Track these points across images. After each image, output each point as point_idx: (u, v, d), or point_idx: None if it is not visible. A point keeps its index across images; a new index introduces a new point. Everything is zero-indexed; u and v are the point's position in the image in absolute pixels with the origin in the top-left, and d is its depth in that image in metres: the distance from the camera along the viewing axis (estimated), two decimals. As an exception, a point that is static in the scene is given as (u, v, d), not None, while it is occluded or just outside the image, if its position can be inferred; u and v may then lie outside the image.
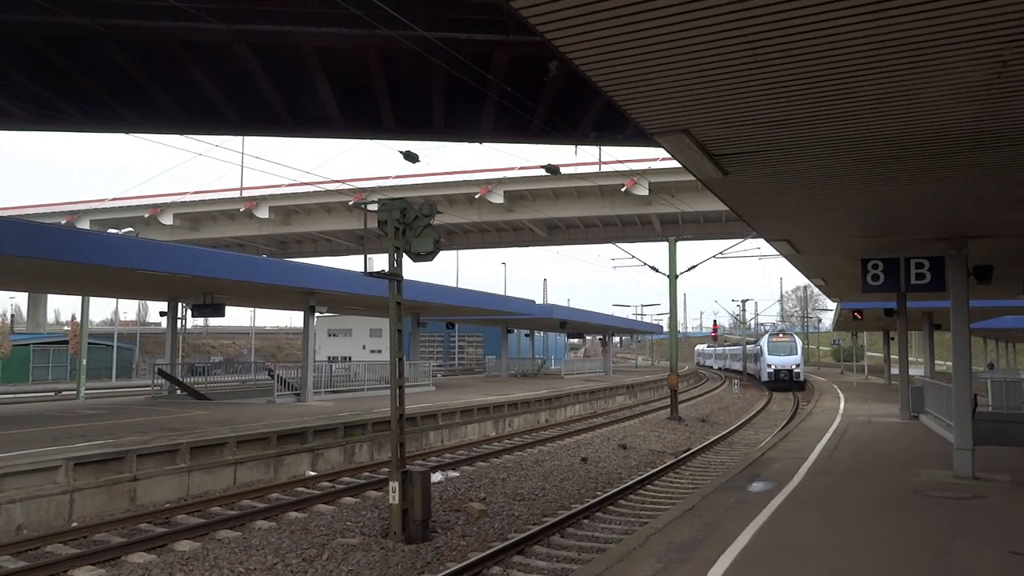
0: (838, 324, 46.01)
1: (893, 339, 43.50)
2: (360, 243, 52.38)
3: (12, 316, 61.44)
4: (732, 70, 5.08)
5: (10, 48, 13.09)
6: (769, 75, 5.15)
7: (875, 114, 5.95)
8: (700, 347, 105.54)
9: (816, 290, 43.68)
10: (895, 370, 35.30)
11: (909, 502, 9.57)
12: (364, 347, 64.35)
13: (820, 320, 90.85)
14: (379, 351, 59.62)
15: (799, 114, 5.95)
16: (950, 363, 13.35)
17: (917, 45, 4.66)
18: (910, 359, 23.29)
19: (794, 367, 47.97)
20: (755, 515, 8.72)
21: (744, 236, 34.29)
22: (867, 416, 21.70)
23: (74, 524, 11.45)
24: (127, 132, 16.80)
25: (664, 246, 31.88)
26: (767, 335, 55.40)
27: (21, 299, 68.78)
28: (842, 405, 26.31)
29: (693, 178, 8.79)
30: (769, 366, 48.82)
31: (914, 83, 5.29)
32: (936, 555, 7.09)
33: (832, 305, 42.59)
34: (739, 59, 4.89)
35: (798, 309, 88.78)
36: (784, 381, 47.33)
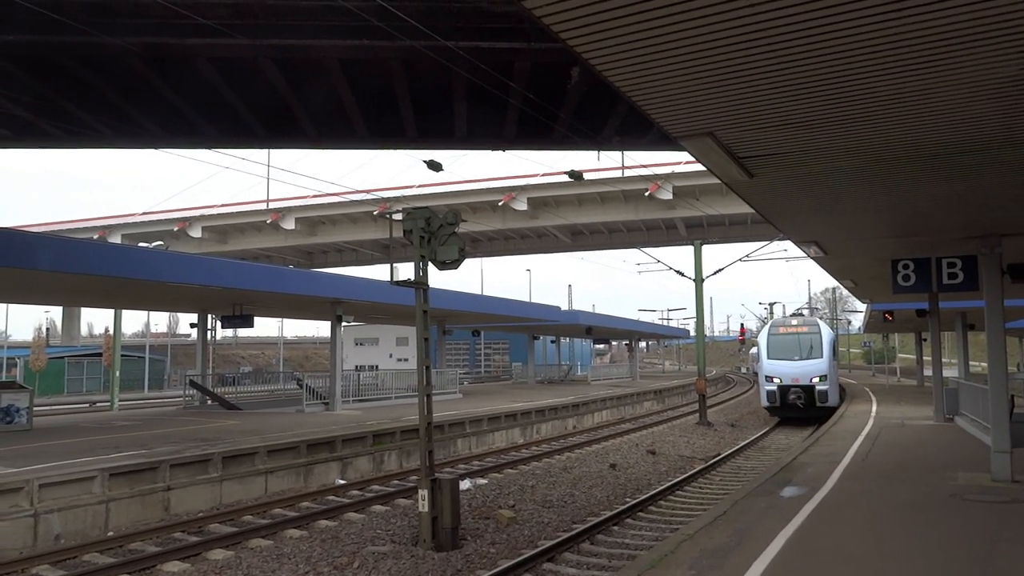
0: (868, 326, 45.19)
1: (925, 340, 42.71)
2: (385, 252, 52.77)
3: (47, 330, 62.65)
4: (755, 72, 5.06)
5: (43, 68, 13.40)
6: (792, 76, 5.12)
7: (901, 113, 5.88)
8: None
9: (845, 291, 42.65)
10: (928, 372, 34.72)
11: (946, 507, 9.38)
12: (391, 356, 64.67)
13: (850, 322, 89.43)
14: (405, 359, 59.89)
15: (824, 115, 5.90)
16: (985, 364, 13.09)
17: (943, 41, 4.60)
18: (943, 360, 22.86)
19: (815, 380, 27.21)
20: (788, 521, 8.61)
21: (771, 238, 33.94)
22: (900, 419, 21.34)
23: (110, 533, 11.62)
24: (156, 147, 17.11)
25: (689, 250, 31.69)
26: (768, 324, 32.10)
27: (56, 313, 70.08)
28: (874, 408, 25.90)
29: (718, 181, 8.74)
30: (770, 379, 27.99)
31: (940, 80, 5.23)
32: (976, 561, 6.94)
33: (862, 306, 41.98)
34: (762, 61, 4.87)
35: (827, 311, 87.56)
36: (796, 406, 27.26)
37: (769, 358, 28.55)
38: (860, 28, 4.39)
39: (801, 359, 27.85)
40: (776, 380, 27.74)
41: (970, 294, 13.23)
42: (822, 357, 27.77)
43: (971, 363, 34.21)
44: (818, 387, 27.10)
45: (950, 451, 14.48)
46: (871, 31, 4.44)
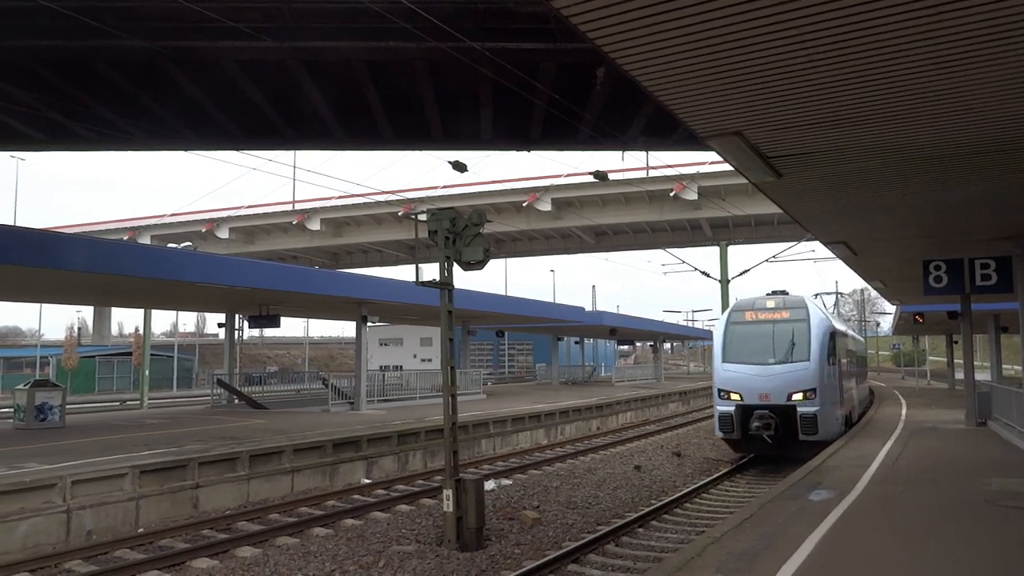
0: (898, 328, 44.55)
1: (957, 343, 42.01)
2: (410, 253, 53.01)
3: (79, 329, 63.83)
4: (785, 70, 5.01)
5: (76, 72, 13.64)
6: (823, 74, 5.07)
7: (934, 111, 5.79)
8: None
9: (874, 292, 42.01)
10: (959, 375, 34.12)
11: (980, 512, 9.21)
12: (415, 356, 64.91)
13: (879, 324, 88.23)
14: (429, 360, 60.09)
15: (855, 113, 5.83)
16: (1018, 367, 12.84)
17: (979, 38, 4.52)
18: (975, 363, 22.46)
19: (796, 396, 16.55)
20: (816, 525, 8.50)
21: (798, 239, 33.61)
22: (931, 422, 20.99)
23: (140, 530, 11.80)
24: (186, 149, 17.35)
25: (715, 250, 31.46)
26: (729, 309, 19.77)
27: (87, 313, 71.39)
28: (904, 411, 25.51)
29: (744, 181, 8.69)
30: (725, 394, 17.48)
31: (975, 78, 5.14)
32: (1012, 569, 6.81)
33: (891, 308, 41.38)
34: (792, 58, 4.82)
35: (855, 313, 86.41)
36: (762, 440, 16.67)
37: (725, 361, 17.36)
38: (893, 25, 4.33)
39: (775, 362, 16.78)
40: (734, 396, 16.74)
41: (1004, 296, 13.00)
42: (808, 360, 16.42)
43: (1004, 366, 33.59)
44: (801, 409, 15.95)
45: (983, 456, 14.21)
46: (905, 28, 4.37)
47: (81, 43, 12.14)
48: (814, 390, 16.24)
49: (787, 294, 18.59)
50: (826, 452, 14.63)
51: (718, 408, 17.33)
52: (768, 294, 18.75)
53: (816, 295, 35.66)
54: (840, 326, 20.72)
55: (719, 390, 17.35)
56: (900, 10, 4.15)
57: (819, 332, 16.84)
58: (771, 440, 16.38)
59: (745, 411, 16.69)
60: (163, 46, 11.97)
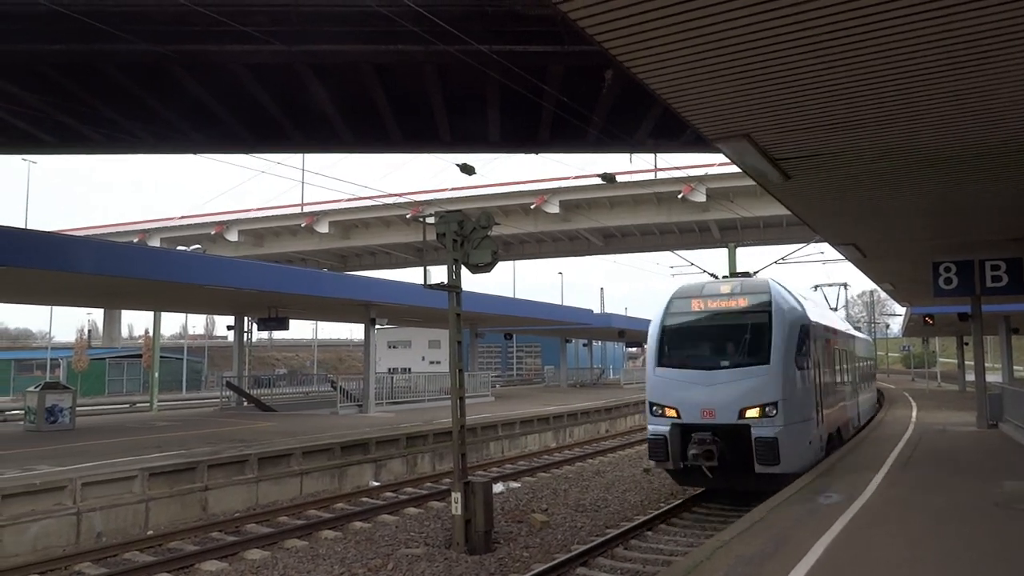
0: (908, 329, 44.31)
1: (967, 344, 41.76)
2: (418, 255, 53.05)
3: (89, 332, 64.17)
4: (795, 72, 4.99)
5: (87, 75, 13.73)
6: (835, 76, 5.04)
7: (947, 113, 5.75)
8: None
9: (883, 294, 41.77)
10: (970, 376, 33.86)
11: (991, 516, 9.14)
12: (423, 358, 64.98)
13: (888, 326, 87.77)
14: (438, 362, 60.13)
15: (866, 115, 5.80)
16: (1030, 369, 12.75)
17: (994, 39, 4.49)
18: (986, 365, 22.31)
19: (751, 412, 12.03)
20: (826, 528, 8.45)
21: (807, 241, 33.49)
22: (942, 425, 20.85)
23: (149, 532, 11.84)
24: (195, 152, 17.45)
25: (723, 252, 31.39)
26: (668, 298, 13.94)
27: (97, 315, 71.76)
28: (914, 413, 25.35)
29: (752, 183, 8.66)
30: (659, 409, 12.89)
31: (990, 80, 5.10)
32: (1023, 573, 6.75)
33: (901, 310, 41.19)
34: (803, 61, 4.80)
35: (865, 314, 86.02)
36: (703, 471, 12.31)
37: (661, 365, 13.27)
38: (909, 26, 4.30)
39: (724, 367, 12.61)
40: (669, 413, 12.75)
41: (1015, 297, 12.92)
42: (768, 363, 12.25)
43: (1015, 368, 33.38)
44: (757, 431, 11.96)
45: (994, 458, 14.11)
46: (921, 28, 4.34)
47: (90, 46, 12.22)
48: (775, 404, 11.79)
49: (749, 275, 14.56)
50: (835, 455, 14.53)
51: (649, 428, 12.92)
52: (725, 276, 14.76)
53: (816, 287, 31.90)
54: (821, 317, 15.47)
55: (651, 404, 12.93)
56: (916, 11, 4.12)
57: (785, 325, 12.36)
58: (711, 474, 12.14)
59: (684, 432, 12.35)
60: (172, 50, 12.03)
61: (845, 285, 33.96)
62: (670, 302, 13.74)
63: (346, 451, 16.26)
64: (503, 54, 11.65)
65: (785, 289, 13.54)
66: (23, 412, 21.85)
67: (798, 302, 13.41)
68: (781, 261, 27.41)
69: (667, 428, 12.53)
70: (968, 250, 12.34)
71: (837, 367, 16.38)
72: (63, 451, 14.54)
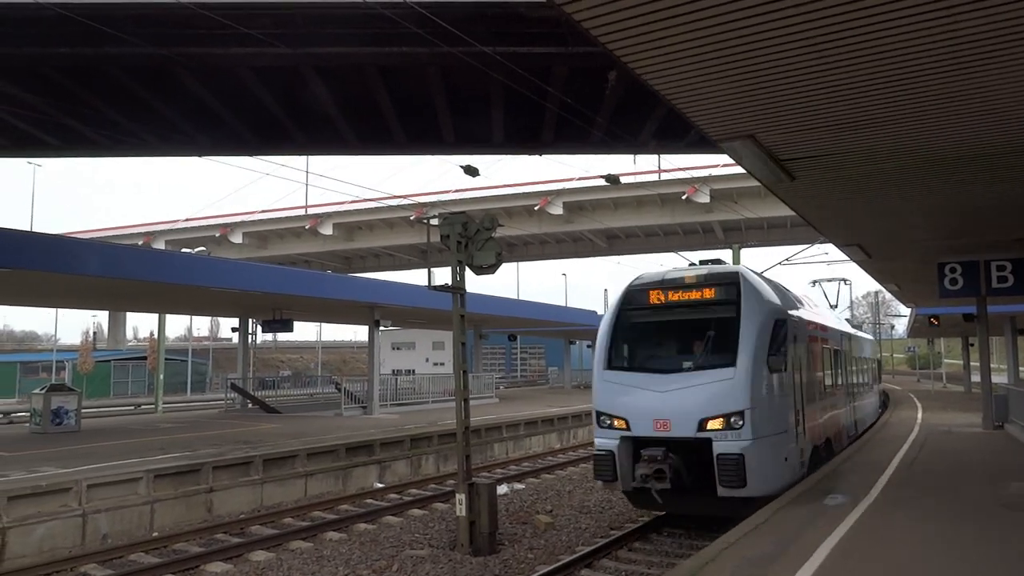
0: (913, 330, 44.15)
1: (973, 345, 41.60)
2: (422, 257, 53.07)
3: (94, 334, 64.31)
4: (800, 73, 4.98)
5: (90, 78, 13.77)
6: (839, 77, 5.03)
7: (952, 113, 5.74)
8: None
9: (889, 295, 41.59)
10: (976, 377, 33.70)
11: (997, 517, 9.11)
12: (427, 360, 65.04)
13: (893, 327, 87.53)
14: (442, 364, 60.16)
15: (871, 116, 5.79)
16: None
17: (999, 39, 4.47)
18: (992, 366, 22.24)
19: (714, 423, 10.08)
20: (832, 530, 8.43)
21: (811, 242, 33.44)
22: (947, 426, 20.79)
23: (155, 534, 11.86)
24: (200, 155, 17.47)
25: (727, 254, 31.35)
26: (623, 289, 12.00)
27: (102, 317, 71.91)
28: (920, 414, 25.28)
29: (756, 184, 8.65)
30: (607, 419, 10.94)
31: (995, 79, 5.09)
32: (1029, 573, 6.72)
33: (906, 311, 41.07)
34: (807, 61, 4.79)
35: (869, 315, 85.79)
36: (652, 493, 10.22)
37: (611, 367, 11.44)
38: (914, 25, 4.29)
39: (683, 370, 10.81)
40: (618, 424, 10.92)
41: (1021, 298, 12.88)
42: (734, 365, 10.37)
43: (1021, 368, 33.24)
44: (720, 445, 10.12)
45: (1000, 459, 14.06)
46: (926, 28, 4.33)
47: (95, 49, 12.25)
48: (742, 413, 9.93)
49: (721, 263, 12.85)
50: (840, 456, 14.47)
51: (596, 441, 11.12)
52: (693, 264, 12.72)
53: (814, 283, 30.22)
54: (806, 311, 13.35)
55: (598, 413, 11.08)
56: (921, 10, 4.11)
57: (756, 320, 10.49)
58: (660, 498, 10.27)
59: (636, 447, 10.54)
60: (176, 52, 12.06)
61: (845, 281, 30.24)
62: (624, 293, 11.83)
63: (351, 453, 16.27)
64: (507, 55, 11.66)
65: (762, 278, 11.77)
66: (29, 414, 21.91)
67: (776, 294, 11.54)
68: (786, 262, 27.21)
69: (615, 442, 10.68)
70: (974, 251, 12.29)
71: (828, 369, 14.48)
72: (68, 453, 14.58)
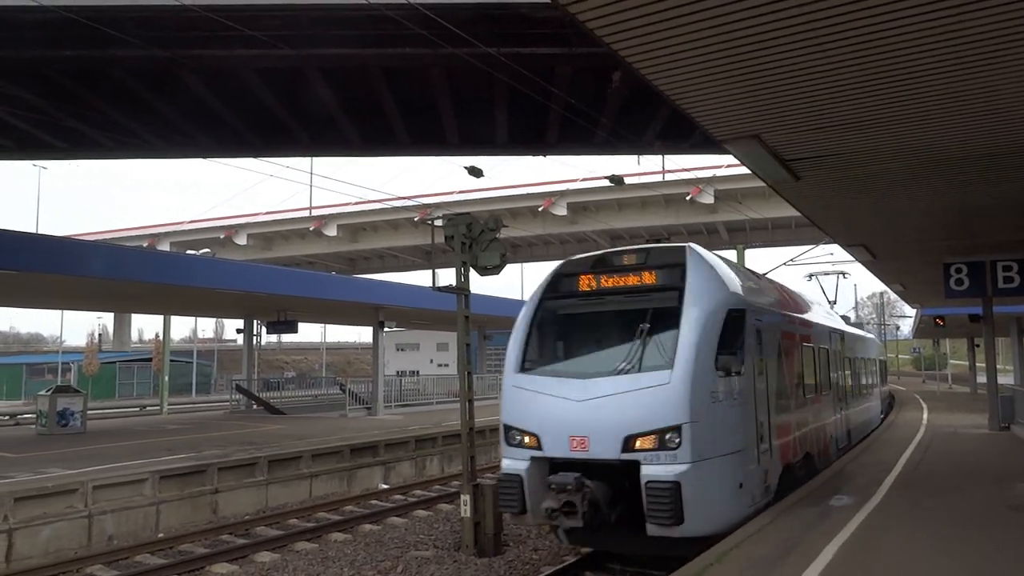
0: (918, 331, 44.06)
1: (978, 346, 41.47)
2: (426, 258, 53.14)
3: (100, 335, 64.56)
4: (805, 73, 4.97)
5: (96, 81, 13.81)
6: (845, 77, 5.02)
7: (959, 113, 5.72)
8: None
9: (894, 295, 41.50)
10: (981, 378, 33.56)
11: (1005, 519, 9.07)
12: (431, 361, 65.00)
13: (898, 327, 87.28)
14: (446, 365, 60.15)
15: (877, 116, 5.77)
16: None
17: (1006, 38, 4.45)
18: (998, 367, 22.15)
19: (643, 442, 7.91)
20: (837, 531, 8.41)
21: (816, 242, 33.40)
22: (953, 427, 20.72)
23: (160, 535, 11.88)
24: (204, 156, 17.51)
25: (732, 254, 31.28)
26: (548, 275, 9.94)
27: (107, 319, 72.18)
28: (925, 415, 25.21)
29: (760, 184, 8.64)
30: (516, 435, 8.80)
31: (1002, 79, 5.07)
32: (1037, 574, 6.69)
33: (911, 311, 40.97)
34: (812, 61, 4.78)
35: (874, 316, 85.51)
36: (565, 524, 8.08)
37: (524, 371, 9.31)
38: (918, 25, 4.28)
39: (610, 373, 8.50)
40: (528, 441, 8.76)
41: (1027, 298, 12.84)
42: (671, 367, 8.13)
43: (1027, 370, 33.10)
44: (649, 470, 7.91)
45: (1007, 461, 14.01)
46: (930, 28, 4.32)
47: (101, 52, 12.30)
48: (678, 429, 7.88)
49: (669, 242, 10.29)
50: (846, 457, 14.42)
51: (503, 463, 8.99)
52: (641, 245, 9.94)
53: (810, 276, 27.88)
54: (779, 302, 11.26)
55: (506, 427, 8.99)
56: (925, 10, 4.10)
57: (702, 310, 8.43)
58: (565, 538, 8.89)
59: (545, 470, 8.56)
60: (181, 54, 12.10)
61: (843, 274, 27.55)
62: (549, 279, 9.82)
63: (355, 454, 16.28)
64: (511, 56, 11.66)
65: (721, 260, 9.72)
66: (35, 416, 21.98)
67: (737, 279, 9.40)
68: (791, 263, 27.07)
69: (525, 464, 8.59)
70: (979, 251, 12.25)
71: (811, 372, 12.42)
72: (74, 454, 14.62)
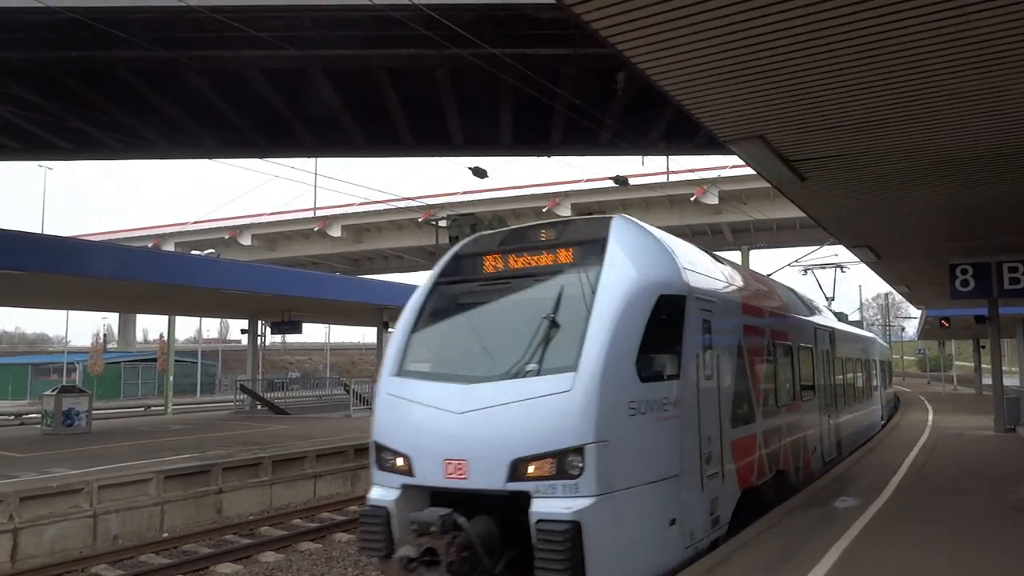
0: (924, 332, 43.93)
1: (984, 347, 41.36)
2: (431, 259, 53.10)
3: (105, 336, 64.75)
4: (811, 73, 4.96)
5: (103, 82, 13.86)
6: (851, 77, 5.00)
7: (967, 113, 5.70)
8: None
9: (899, 297, 41.39)
10: (987, 380, 33.42)
11: (1010, 521, 9.03)
12: (435, 361, 64.89)
13: (903, 328, 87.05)
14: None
15: (882, 116, 5.76)
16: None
17: (1014, 37, 4.43)
18: (1004, 368, 22.08)
19: (543, 467, 5.99)
20: (842, 533, 8.39)
21: (821, 243, 33.33)
22: (958, 429, 20.65)
23: (165, 535, 11.90)
24: (209, 157, 17.56)
25: (736, 255, 31.20)
26: (447, 255, 8.18)
27: (112, 320, 72.39)
28: (930, 417, 25.13)
29: (765, 185, 8.62)
30: (387, 455, 6.93)
31: (1010, 79, 5.05)
32: (1043, 577, 6.66)
33: (917, 313, 40.86)
34: (818, 61, 4.77)
35: (879, 317, 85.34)
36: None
37: (402, 372, 7.33)
38: (926, 24, 4.26)
39: (502, 377, 6.59)
40: (399, 464, 6.79)
41: (1033, 300, 12.79)
42: (574, 369, 6.20)
43: (1033, 371, 32.99)
44: (540, 503, 5.97)
45: (1013, 462, 13.95)
46: (938, 27, 4.30)
47: (106, 53, 12.34)
48: (580, 451, 6.05)
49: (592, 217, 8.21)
50: (850, 459, 14.39)
51: (370, 491, 7.15)
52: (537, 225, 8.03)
53: (805, 271, 26.30)
54: (735, 289, 9.24)
55: (377, 446, 7.22)
56: (932, 9, 4.08)
57: (618, 295, 6.65)
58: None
59: (435, 501, 6.64)
60: (188, 55, 12.13)
61: (841, 268, 25.65)
62: (449, 260, 8.08)
63: (359, 454, 16.28)
64: (515, 57, 11.67)
65: (664, 236, 7.84)
66: (40, 415, 22.04)
67: (675, 259, 7.38)
68: (795, 263, 26.86)
69: (395, 493, 6.71)
70: (985, 252, 12.20)
71: (786, 374, 10.73)
72: (79, 454, 14.65)
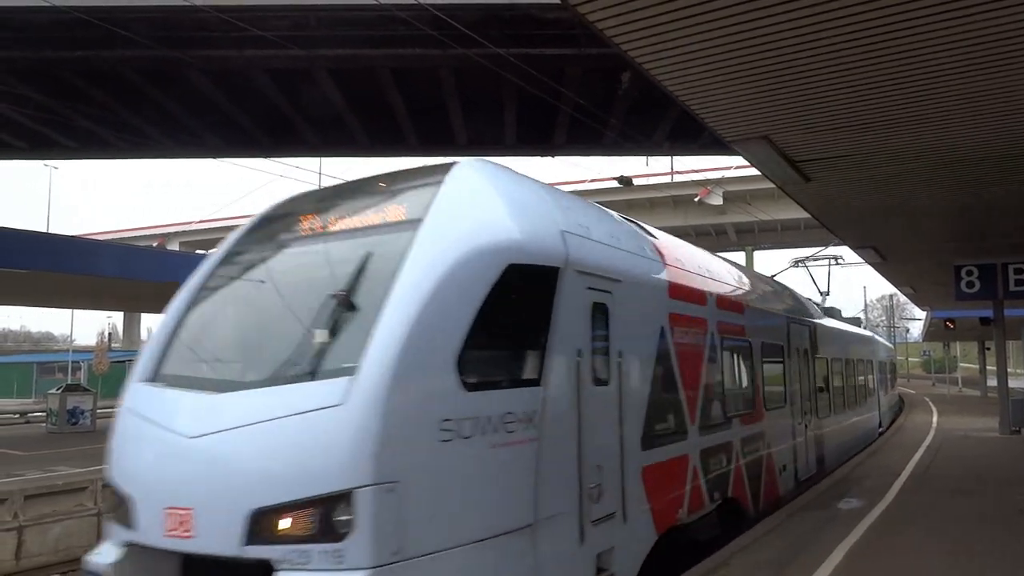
0: (928, 334, 43.82)
1: (989, 349, 41.22)
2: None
3: (109, 335, 64.89)
4: (816, 74, 4.95)
5: (109, 82, 13.89)
6: (856, 78, 4.99)
7: (974, 113, 5.68)
8: None
9: (904, 298, 41.31)
10: (992, 382, 33.29)
11: (1014, 523, 9.00)
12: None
13: (908, 330, 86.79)
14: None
15: (888, 117, 5.74)
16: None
17: (1020, 38, 4.42)
18: (1009, 370, 21.99)
19: (299, 521, 3.89)
20: (846, 535, 8.36)
21: (825, 243, 33.27)
22: (963, 431, 20.59)
23: (169, 533, 11.91)
24: (214, 157, 17.59)
25: (740, 256, 31.15)
26: (255, 217, 6.14)
27: (117, 318, 72.52)
28: (935, 419, 25.06)
29: (770, 185, 8.60)
30: (116, 499, 4.73)
31: (1015, 79, 5.03)
32: (1048, 580, 6.63)
33: (921, 314, 40.77)
34: (823, 62, 4.76)
35: (884, 319, 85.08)
36: None
37: (153, 377, 5.15)
38: (931, 25, 4.25)
39: (255, 383, 4.55)
40: (120, 509, 4.63)
41: (1039, 301, 12.76)
42: (352, 374, 4.09)
43: (1039, 373, 32.87)
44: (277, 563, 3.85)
45: (1018, 464, 13.90)
46: (944, 28, 4.29)
47: (112, 52, 12.37)
48: (347, 497, 3.89)
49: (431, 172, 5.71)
50: (854, 460, 14.35)
51: (92, 555, 4.92)
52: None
53: (798, 263, 24.36)
54: (626, 250, 6.36)
55: (107, 484, 5.21)
56: (935, 12, 4.07)
57: (431, 265, 4.51)
58: None
59: (182, 569, 4.41)
60: (192, 55, 12.16)
61: (836, 260, 23.50)
62: (253, 223, 6.18)
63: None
64: (520, 57, 11.67)
65: (517, 188, 5.63)
66: (45, 414, 22.09)
67: (544, 213, 5.49)
68: (800, 264, 26.78)
69: (114, 555, 4.70)
70: (990, 253, 12.17)
71: (738, 378, 8.99)
72: (84, 453, 14.67)
